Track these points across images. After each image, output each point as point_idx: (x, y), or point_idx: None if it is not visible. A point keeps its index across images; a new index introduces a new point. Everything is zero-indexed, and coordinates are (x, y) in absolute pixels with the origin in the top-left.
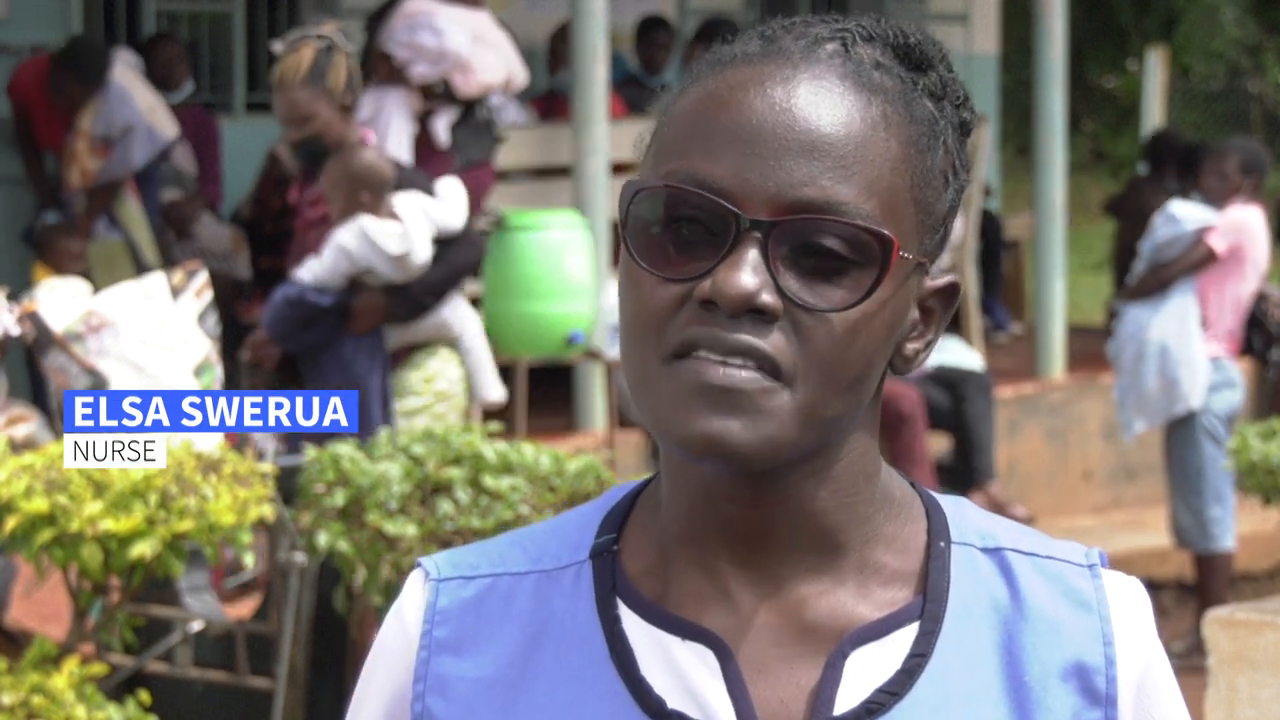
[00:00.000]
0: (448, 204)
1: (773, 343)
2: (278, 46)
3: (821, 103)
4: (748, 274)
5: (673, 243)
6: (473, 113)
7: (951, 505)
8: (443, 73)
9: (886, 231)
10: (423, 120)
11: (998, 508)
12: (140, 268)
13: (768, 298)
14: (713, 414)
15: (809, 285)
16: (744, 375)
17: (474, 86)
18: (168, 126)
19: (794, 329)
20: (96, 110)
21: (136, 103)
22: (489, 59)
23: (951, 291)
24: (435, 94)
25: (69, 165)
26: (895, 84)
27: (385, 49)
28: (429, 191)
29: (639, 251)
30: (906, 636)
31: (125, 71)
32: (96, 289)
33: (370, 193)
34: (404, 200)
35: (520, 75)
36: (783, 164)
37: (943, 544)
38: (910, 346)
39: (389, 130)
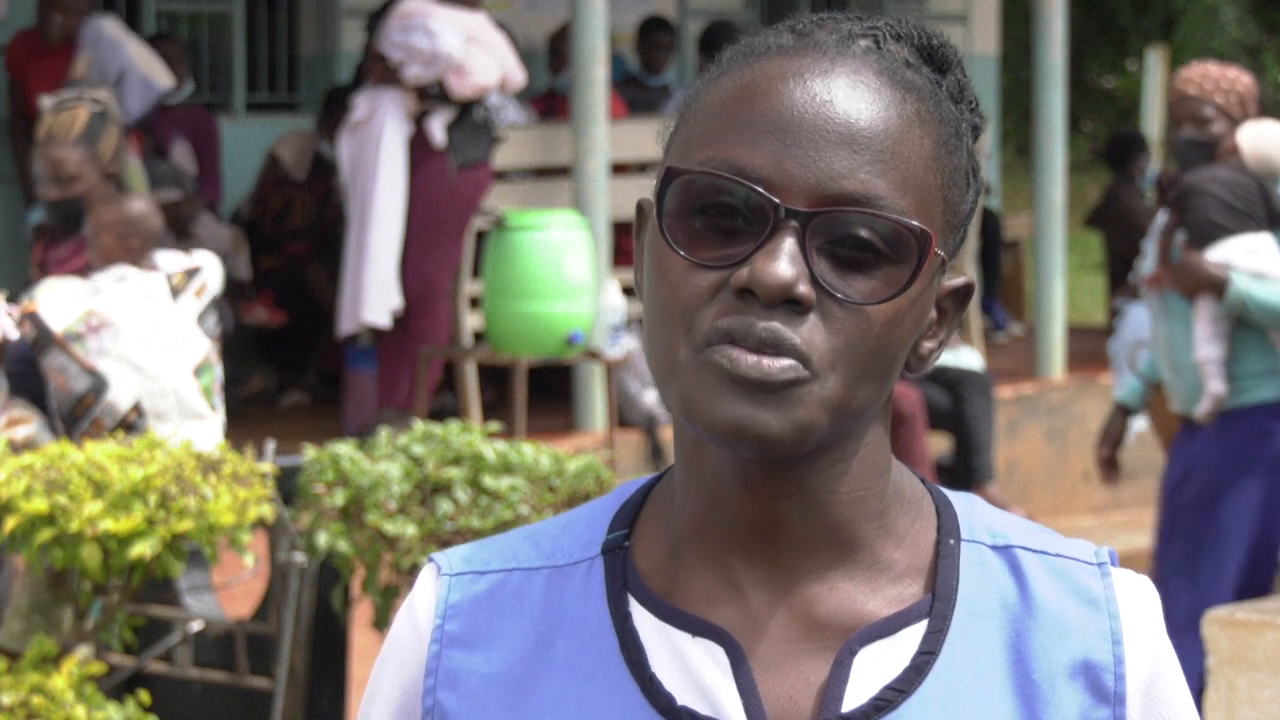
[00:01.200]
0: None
1: (805, 334)
2: (47, 103)
3: (860, 97)
4: (785, 263)
5: (707, 230)
6: (469, 113)
7: (962, 502)
8: (436, 74)
9: (924, 227)
10: (419, 121)
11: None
12: None
13: (804, 288)
14: (743, 401)
15: (844, 277)
16: (776, 366)
17: (468, 88)
18: (161, 75)
19: (826, 321)
20: (89, 61)
21: (128, 50)
22: (483, 60)
23: (966, 292)
24: (430, 95)
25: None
26: (925, 83)
27: (380, 50)
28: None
29: (673, 237)
30: (915, 634)
31: (115, 25)
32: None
33: (140, 240)
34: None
35: (518, 76)
36: (823, 155)
37: (952, 541)
38: (926, 345)
39: (383, 131)
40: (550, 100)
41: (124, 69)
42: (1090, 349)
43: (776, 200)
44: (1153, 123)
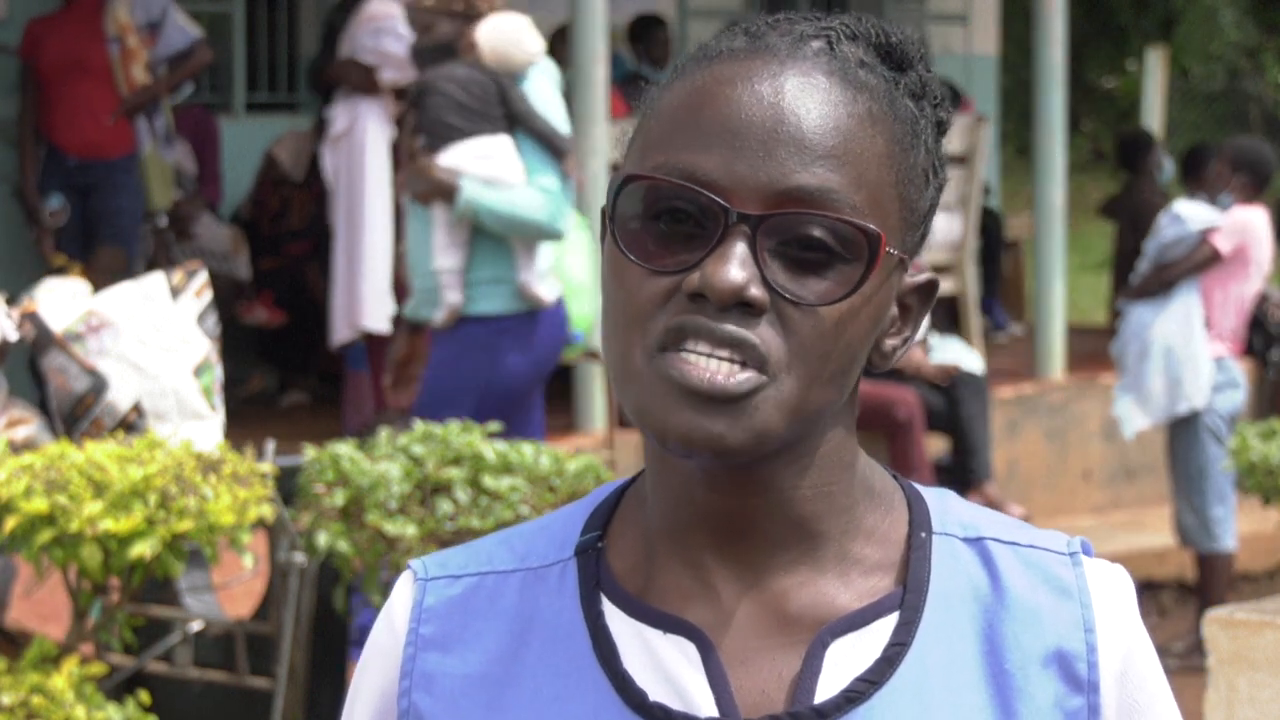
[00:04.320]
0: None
1: (759, 335)
2: None
3: (809, 98)
4: (736, 267)
5: (660, 235)
6: None
7: (935, 496)
8: (411, 77)
9: (874, 226)
10: (400, 123)
11: (994, 507)
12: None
13: (755, 291)
14: (697, 412)
15: (796, 278)
16: (731, 381)
17: None
18: (191, 25)
19: (780, 322)
20: (130, 2)
21: None
22: None
23: (930, 288)
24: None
25: (130, 67)
26: (879, 82)
27: (354, 55)
28: None
29: (626, 243)
30: (886, 626)
31: None
32: (154, 201)
33: None
34: None
35: None
36: (772, 156)
37: (924, 534)
38: (888, 343)
39: (365, 139)
40: None
41: (165, 9)
42: (1090, 349)
43: (726, 204)
44: (1153, 123)
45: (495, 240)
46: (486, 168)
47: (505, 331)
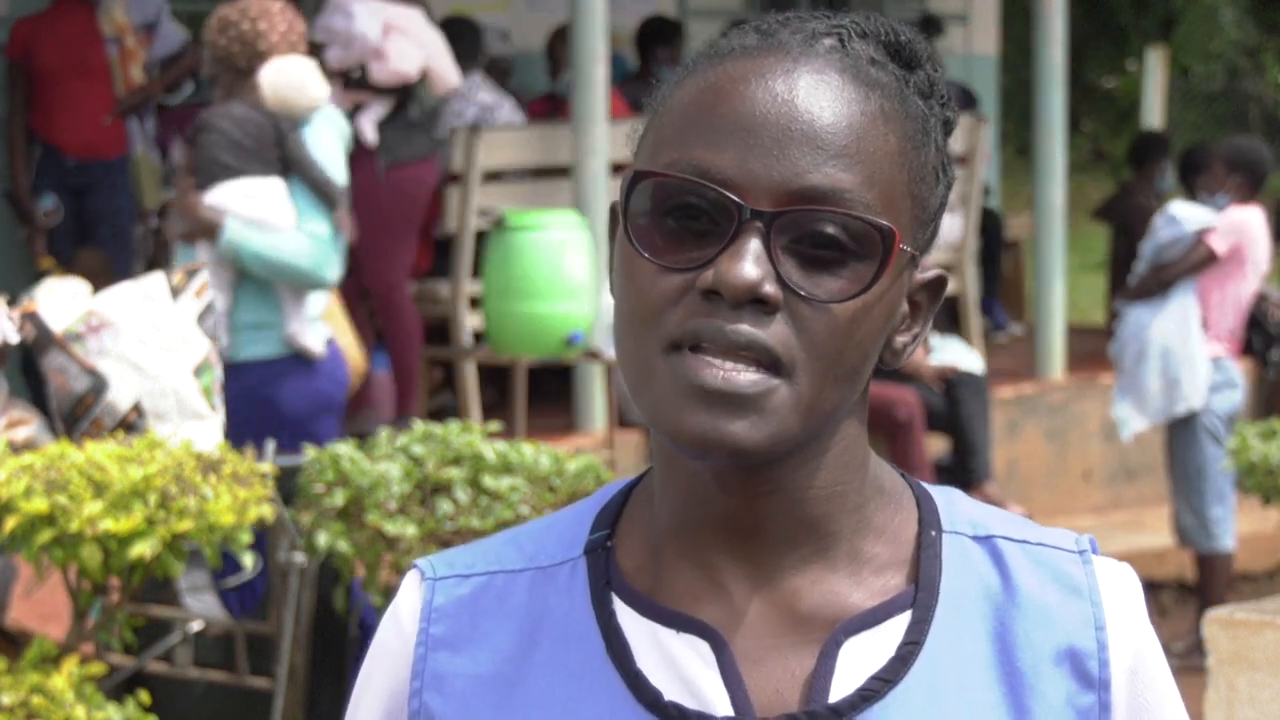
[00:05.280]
0: None
1: (773, 333)
2: None
3: (822, 95)
4: (750, 264)
5: (673, 232)
6: (405, 110)
7: (943, 496)
8: (356, 58)
9: (888, 223)
10: (352, 117)
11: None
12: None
13: (769, 288)
14: (711, 413)
15: (809, 276)
16: (744, 379)
17: (388, 74)
18: (179, 29)
19: (794, 319)
20: (126, 3)
21: None
22: (404, 47)
23: (939, 285)
24: (352, 81)
25: (129, 68)
26: (891, 80)
27: (313, 36)
28: None
29: (638, 240)
30: (899, 624)
31: None
32: (145, 202)
33: None
34: None
35: (449, 76)
36: (786, 154)
37: (934, 533)
38: (899, 340)
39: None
40: (551, 101)
41: (160, 10)
42: (1090, 349)
43: (740, 201)
44: (1153, 123)
45: (260, 285)
46: (252, 208)
47: (280, 374)
